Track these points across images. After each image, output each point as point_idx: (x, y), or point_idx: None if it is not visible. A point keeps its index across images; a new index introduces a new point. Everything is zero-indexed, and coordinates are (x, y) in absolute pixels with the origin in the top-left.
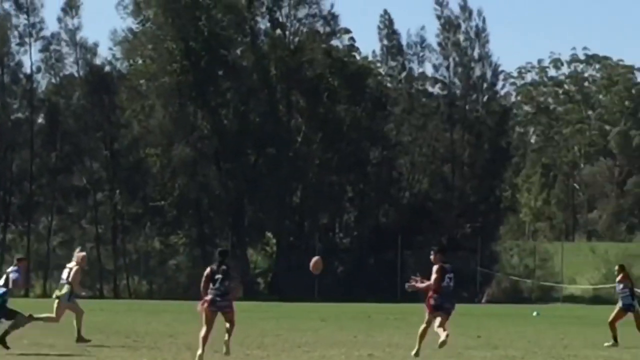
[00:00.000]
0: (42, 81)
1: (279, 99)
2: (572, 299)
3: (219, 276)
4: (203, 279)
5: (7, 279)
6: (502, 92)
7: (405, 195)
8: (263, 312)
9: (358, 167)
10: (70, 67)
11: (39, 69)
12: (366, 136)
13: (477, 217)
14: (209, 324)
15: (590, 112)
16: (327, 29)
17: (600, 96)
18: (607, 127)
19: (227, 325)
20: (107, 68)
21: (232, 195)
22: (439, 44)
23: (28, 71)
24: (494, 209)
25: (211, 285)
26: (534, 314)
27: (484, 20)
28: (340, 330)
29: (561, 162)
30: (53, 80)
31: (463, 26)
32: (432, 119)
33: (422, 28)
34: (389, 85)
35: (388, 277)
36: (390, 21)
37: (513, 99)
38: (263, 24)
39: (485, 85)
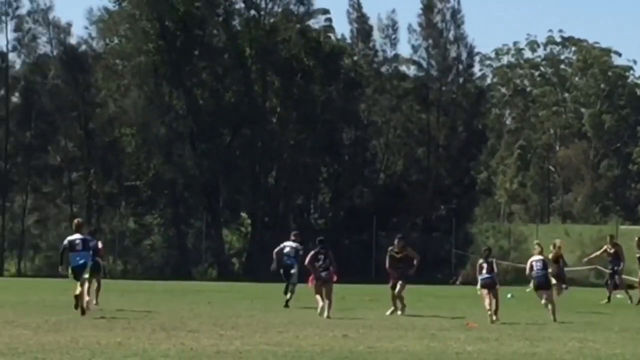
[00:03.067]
0: (17, 60)
1: (254, 79)
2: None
3: (321, 256)
4: (308, 259)
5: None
6: (478, 74)
7: (380, 176)
8: (237, 293)
9: (332, 148)
10: (44, 46)
11: (14, 48)
12: (340, 117)
13: (452, 198)
14: (321, 293)
15: (566, 95)
16: (302, 9)
17: (576, 79)
18: (583, 110)
19: (325, 297)
20: (83, 47)
21: (206, 175)
22: (420, 25)
23: (4, 49)
24: (469, 190)
25: (316, 264)
26: (508, 295)
27: (459, 2)
28: (314, 310)
29: (536, 145)
30: (27, 60)
31: (439, 7)
32: (406, 100)
33: (393, 11)
34: (362, 66)
35: (362, 258)
36: (359, 5)
37: (489, 80)
38: (238, 4)
39: (461, 67)
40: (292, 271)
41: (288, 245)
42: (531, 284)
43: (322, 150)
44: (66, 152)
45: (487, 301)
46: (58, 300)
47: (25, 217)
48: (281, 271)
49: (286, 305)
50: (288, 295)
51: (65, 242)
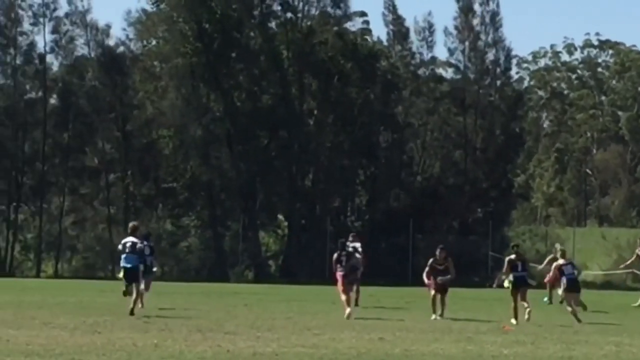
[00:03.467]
0: (55, 62)
1: (291, 81)
2: (583, 284)
3: (342, 258)
4: (334, 261)
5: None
6: (516, 77)
7: (417, 179)
8: (274, 295)
9: (369, 151)
10: (82, 48)
11: (52, 50)
12: (377, 119)
13: (488, 202)
14: (347, 292)
15: (603, 98)
16: (339, 11)
17: (613, 82)
18: (620, 113)
19: (353, 292)
20: (121, 49)
21: (243, 177)
22: (456, 28)
23: (41, 51)
24: (506, 194)
25: (339, 266)
26: (545, 299)
27: (498, 5)
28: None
29: (573, 148)
30: (65, 62)
31: (478, 10)
32: (443, 103)
33: (429, 14)
34: (399, 68)
35: (399, 260)
36: (394, 7)
37: (526, 84)
38: (275, 6)
39: (498, 70)
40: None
41: (350, 246)
42: (559, 290)
43: (359, 152)
44: (103, 153)
45: (516, 301)
46: (95, 301)
47: (62, 219)
48: None
49: (356, 304)
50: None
51: (120, 244)
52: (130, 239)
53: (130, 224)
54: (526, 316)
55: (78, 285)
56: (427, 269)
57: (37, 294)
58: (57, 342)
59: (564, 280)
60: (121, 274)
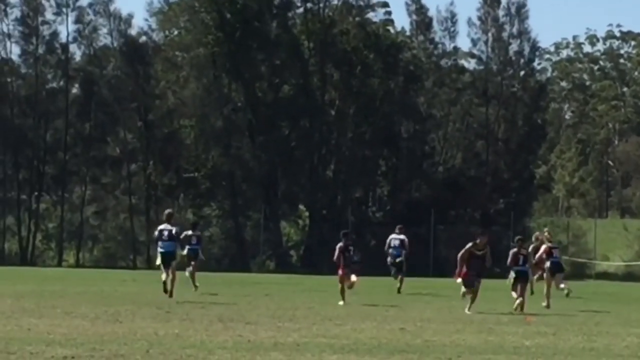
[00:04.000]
0: (77, 51)
1: (313, 71)
2: (604, 275)
3: (351, 248)
4: (337, 252)
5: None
6: (539, 68)
7: (439, 170)
8: (295, 285)
9: (391, 141)
10: (104, 38)
11: (74, 39)
12: (399, 110)
13: (510, 193)
14: (344, 283)
15: (625, 89)
16: (361, 2)
17: (636, 73)
18: None
19: (353, 280)
20: (143, 39)
21: (265, 167)
22: (479, 18)
23: (64, 41)
24: (527, 185)
25: (346, 255)
26: (565, 291)
27: None
28: (372, 304)
29: (595, 139)
30: (87, 51)
31: (503, 1)
32: (465, 93)
33: (452, 3)
34: (422, 59)
35: (420, 251)
36: None
37: (549, 74)
38: None
39: (522, 61)
40: (399, 260)
41: (394, 238)
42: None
43: (380, 143)
44: (125, 143)
45: (517, 293)
46: (116, 291)
47: (84, 208)
48: (389, 261)
49: (398, 292)
50: (398, 284)
51: (156, 231)
52: (166, 226)
53: (166, 212)
54: (514, 306)
55: (99, 275)
56: (463, 252)
57: (59, 283)
58: (78, 332)
59: (548, 263)
60: (158, 261)
